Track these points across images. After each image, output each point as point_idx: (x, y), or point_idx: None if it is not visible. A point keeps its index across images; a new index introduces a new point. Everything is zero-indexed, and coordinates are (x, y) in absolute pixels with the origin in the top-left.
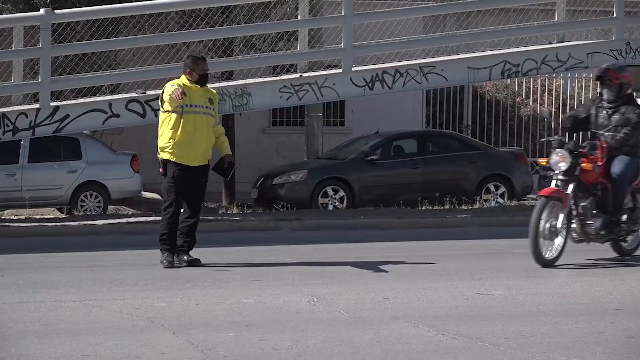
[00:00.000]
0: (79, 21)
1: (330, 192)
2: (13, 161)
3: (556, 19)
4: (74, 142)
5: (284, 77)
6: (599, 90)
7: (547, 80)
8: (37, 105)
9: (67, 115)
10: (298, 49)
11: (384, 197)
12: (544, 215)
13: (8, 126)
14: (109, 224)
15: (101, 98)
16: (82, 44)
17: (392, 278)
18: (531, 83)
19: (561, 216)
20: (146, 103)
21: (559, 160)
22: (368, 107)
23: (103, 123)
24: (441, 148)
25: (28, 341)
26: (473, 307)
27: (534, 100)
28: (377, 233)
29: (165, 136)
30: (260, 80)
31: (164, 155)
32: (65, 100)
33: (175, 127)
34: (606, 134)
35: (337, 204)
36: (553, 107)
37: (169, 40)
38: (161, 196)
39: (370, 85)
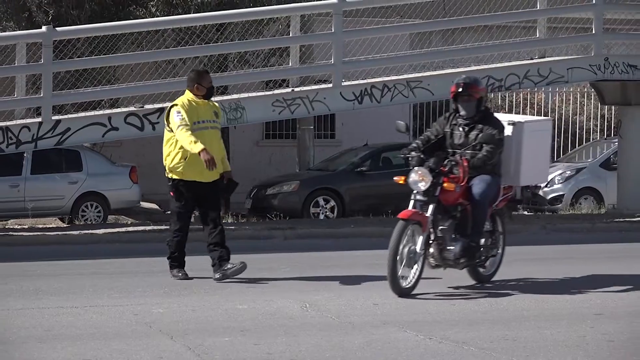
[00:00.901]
0: (79, 38)
1: (322, 202)
2: (16, 173)
3: (537, 36)
4: (75, 154)
5: (276, 91)
6: (453, 106)
7: (529, 94)
8: (39, 119)
9: (68, 129)
10: (290, 64)
11: (373, 207)
12: (403, 240)
13: (11, 139)
14: (109, 233)
15: (101, 112)
16: (83, 60)
17: (381, 285)
18: (514, 97)
19: (420, 241)
20: (144, 117)
21: (419, 180)
22: (357, 120)
23: (103, 136)
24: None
25: (31, 346)
26: (459, 312)
27: (517, 114)
28: (366, 241)
29: (175, 156)
30: (254, 94)
31: (175, 175)
32: (66, 114)
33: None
34: (467, 152)
35: (328, 213)
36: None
37: (166, 57)
38: (166, 211)
39: (359, 99)
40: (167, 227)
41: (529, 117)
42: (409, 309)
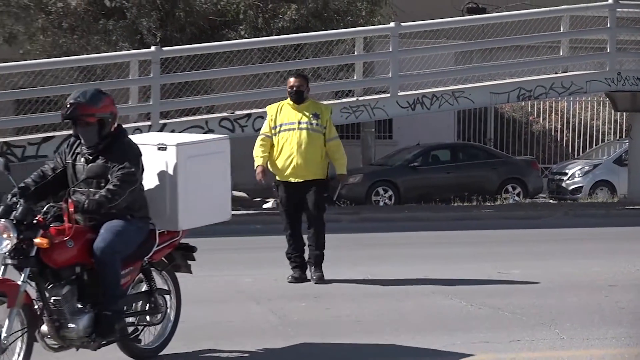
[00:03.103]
0: (182, 56)
1: (381, 192)
2: None
3: (561, 54)
4: None
5: (344, 100)
6: (73, 131)
7: (554, 102)
8: (149, 123)
9: (173, 131)
10: (355, 77)
11: (424, 196)
12: None
13: None
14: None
15: (199, 117)
16: (185, 74)
17: (430, 260)
18: (541, 105)
19: (7, 321)
20: (235, 121)
21: (1, 237)
22: (411, 124)
23: None
24: (469, 157)
25: None
26: (495, 283)
27: (544, 119)
28: (418, 224)
29: (271, 157)
30: (325, 103)
31: (275, 175)
32: (171, 119)
33: (274, 148)
34: (92, 190)
35: (386, 201)
36: (558, 124)
37: (253, 71)
38: (253, 198)
39: (412, 106)
40: (254, 211)
41: (192, 137)
42: (454, 280)
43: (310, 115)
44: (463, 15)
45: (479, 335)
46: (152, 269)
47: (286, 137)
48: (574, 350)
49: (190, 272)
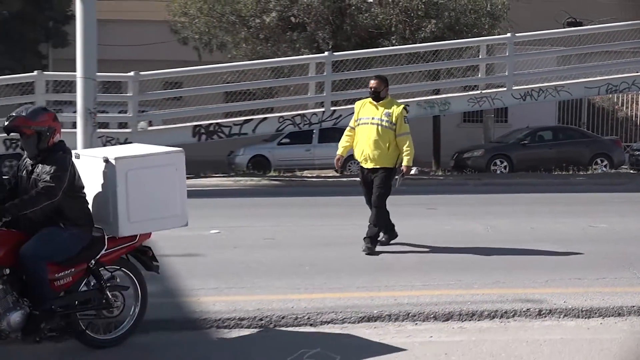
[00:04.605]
0: (348, 59)
1: (498, 163)
2: (309, 142)
3: None
4: (343, 131)
5: (470, 93)
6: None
7: (635, 94)
8: (322, 109)
9: (340, 115)
10: (479, 75)
11: (531, 166)
12: None
13: (306, 121)
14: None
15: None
16: (350, 73)
17: (536, 215)
18: (625, 96)
19: None
20: None
21: None
22: (522, 111)
23: None
24: (567, 136)
25: (286, 252)
26: (587, 234)
27: (627, 107)
28: (527, 188)
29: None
30: (456, 95)
31: None
32: (339, 106)
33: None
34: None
35: (502, 170)
36: (639, 112)
37: (401, 71)
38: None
39: (523, 98)
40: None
41: (142, 150)
42: (554, 232)
43: (383, 113)
44: (564, 27)
45: (572, 274)
46: (99, 269)
47: (362, 129)
48: None
49: (157, 273)
